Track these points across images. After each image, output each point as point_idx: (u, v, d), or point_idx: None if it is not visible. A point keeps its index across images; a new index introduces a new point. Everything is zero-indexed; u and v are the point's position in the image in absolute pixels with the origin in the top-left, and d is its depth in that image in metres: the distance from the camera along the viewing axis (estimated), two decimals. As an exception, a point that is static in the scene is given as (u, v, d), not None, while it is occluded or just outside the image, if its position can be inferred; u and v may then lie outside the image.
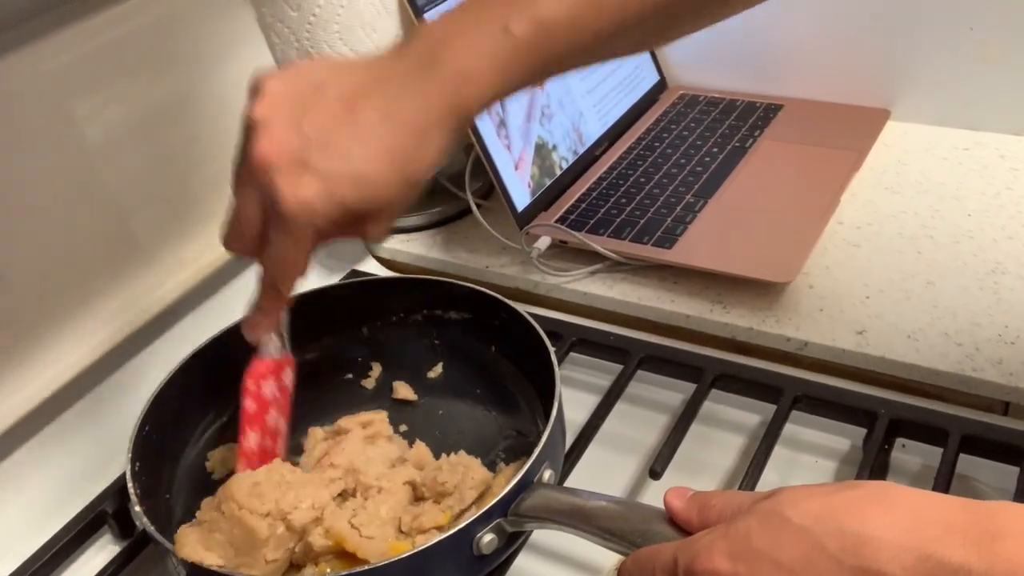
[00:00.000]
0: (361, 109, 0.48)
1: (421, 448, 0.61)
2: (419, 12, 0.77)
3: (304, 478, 0.56)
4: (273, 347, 0.58)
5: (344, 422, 0.63)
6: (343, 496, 0.57)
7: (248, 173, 0.49)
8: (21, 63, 0.58)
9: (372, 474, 0.57)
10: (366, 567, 0.48)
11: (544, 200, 0.84)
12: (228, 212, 0.52)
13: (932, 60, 0.91)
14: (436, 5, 0.78)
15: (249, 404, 0.58)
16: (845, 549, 0.35)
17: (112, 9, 0.64)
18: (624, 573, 0.43)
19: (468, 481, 0.55)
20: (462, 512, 0.55)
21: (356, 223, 0.50)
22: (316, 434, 0.63)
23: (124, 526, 0.63)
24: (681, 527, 0.44)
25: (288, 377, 0.60)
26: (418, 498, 0.57)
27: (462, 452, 0.58)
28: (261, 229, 0.50)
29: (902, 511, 0.35)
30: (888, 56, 0.93)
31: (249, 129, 0.49)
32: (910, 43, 0.91)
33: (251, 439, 0.58)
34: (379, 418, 0.63)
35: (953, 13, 0.87)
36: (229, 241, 0.53)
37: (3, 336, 0.59)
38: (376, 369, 0.69)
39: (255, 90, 0.50)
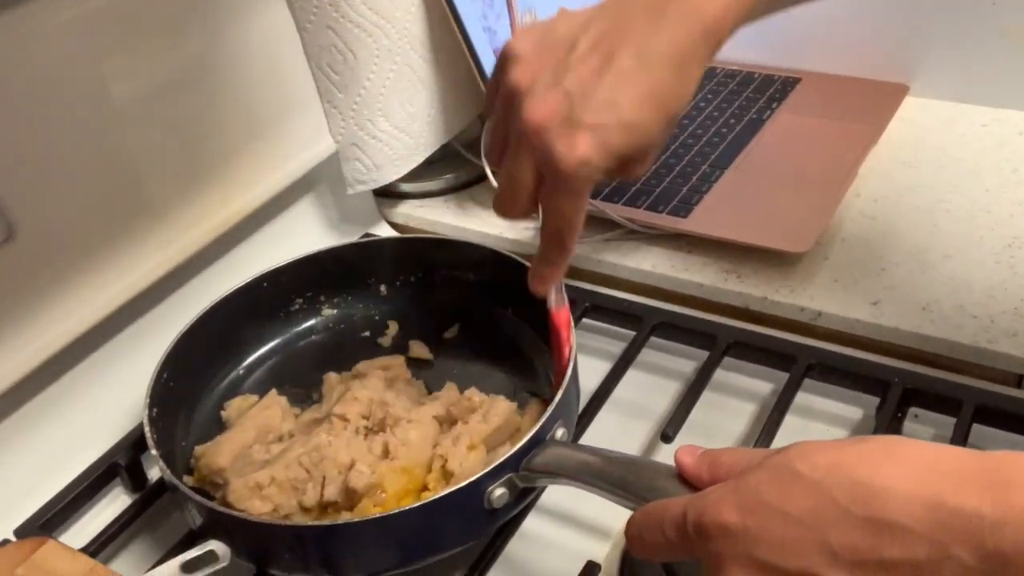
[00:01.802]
0: (615, 57, 0.49)
1: (449, 387, 0.62)
2: (437, -26, 0.77)
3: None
4: (558, 297, 0.59)
5: (362, 366, 0.64)
6: (368, 434, 0.58)
7: (519, 139, 0.50)
8: (45, 11, 0.58)
9: (399, 406, 0.57)
10: (378, 515, 0.49)
11: (559, 168, 0.84)
12: (500, 181, 0.53)
13: (952, 36, 0.91)
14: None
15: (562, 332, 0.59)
16: (855, 500, 0.35)
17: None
18: (632, 526, 0.43)
19: (496, 408, 0.56)
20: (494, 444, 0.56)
21: (623, 167, 0.51)
22: (332, 379, 0.64)
23: (136, 479, 0.63)
24: (691, 483, 0.44)
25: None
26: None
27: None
28: (534, 191, 0.51)
29: (913, 462, 0.35)
30: (908, 31, 0.93)
31: (512, 96, 0.50)
32: (930, 18, 0.91)
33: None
34: (397, 363, 0.64)
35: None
36: (504, 208, 0.54)
37: (16, 287, 0.60)
38: (393, 328, 0.70)
39: (506, 58, 0.51)
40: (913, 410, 0.62)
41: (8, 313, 0.60)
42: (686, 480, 0.45)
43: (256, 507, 0.53)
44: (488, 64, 0.79)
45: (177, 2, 0.67)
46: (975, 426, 0.59)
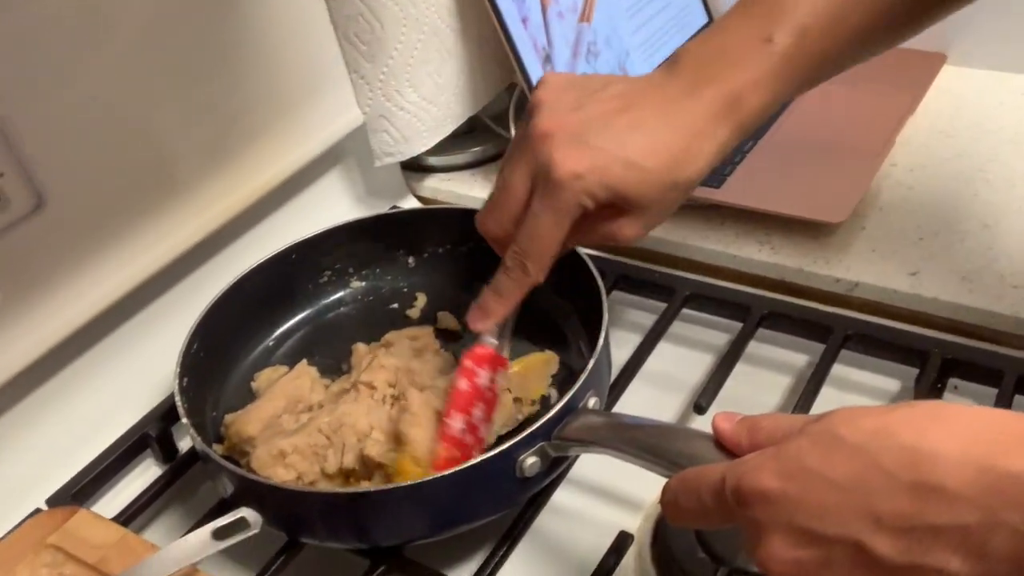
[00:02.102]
0: (638, 105, 0.51)
1: None
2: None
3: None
4: (494, 338, 0.56)
5: (391, 336, 0.63)
6: (395, 402, 0.57)
7: (523, 146, 0.51)
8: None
9: (426, 374, 0.57)
10: (410, 483, 0.49)
11: (588, 139, 0.83)
12: (492, 190, 0.54)
13: (990, 4, 0.88)
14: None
15: (463, 384, 0.54)
16: (902, 464, 0.34)
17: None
18: (668, 493, 0.43)
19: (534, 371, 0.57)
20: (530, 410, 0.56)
21: (610, 216, 0.52)
22: (360, 349, 0.63)
23: (167, 449, 0.64)
24: (729, 450, 0.44)
25: (501, 380, 0.57)
26: None
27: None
28: (522, 207, 0.52)
29: (961, 425, 0.34)
30: None
31: (530, 112, 0.52)
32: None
33: (456, 423, 0.54)
34: (425, 333, 0.64)
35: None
36: (486, 219, 0.54)
37: (46, 255, 0.60)
38: (421, 299, 0.70)
39: (537, 85, 0.53)
40: (953, 381, 0.61)
41: (37, 282, 0.60)
42: (723, 447, 0.44)
43: (279, 474, 0.54)
44: (517, 34, 0.78)
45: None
46: (1017, 397, 0.57)
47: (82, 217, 0.62)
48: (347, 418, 0.55)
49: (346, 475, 0.54)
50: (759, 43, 0.51)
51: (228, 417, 0.59)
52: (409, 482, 0.50)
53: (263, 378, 0.63)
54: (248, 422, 0.57)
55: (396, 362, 0.59)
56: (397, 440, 0.54)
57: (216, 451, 0.57)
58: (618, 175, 0.50)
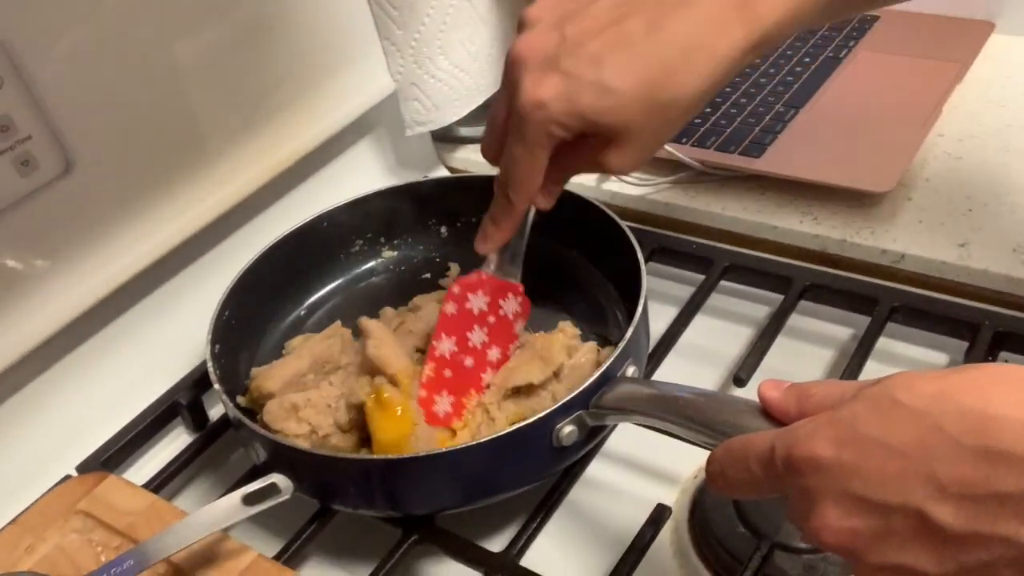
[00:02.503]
0: (628, 18, 0.46)
1: None
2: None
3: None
4: (496, 265, 0.56)
5: (418, 300, 0.63)
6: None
7: (504, 72, 0.48)
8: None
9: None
10: (445, 450, 0.48)
11: (624, 109, 0.81)
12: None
13: (1045, -32, 0.86)
14: None
15: (448, 307, 0.54)
16: (966, 429, 0.32)
17: None
18: (714, 463, 0.41)
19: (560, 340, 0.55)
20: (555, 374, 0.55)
21: (596, 145, 0.48)
22: (388, 313, 0.63)
23: (197, 418, 0.63)
24: (777, 419, 0.42)
25: (509, 306, 0.56)
26: None
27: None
28: (504, 134, 0.49)
29: None
30: (995, -35, 0.88)
31: (518, 28, 0.48)
32: (1021, -51, 0.86)
33: (444, 345, 0.54)
34: None
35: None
36: (483, 145, 0.52)
37: (74, 220, 0.60)
38: (454, 270, 0.69)
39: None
40: (1004, 355, 0.59)
41: (67, 246, 0.60)
42: (770, 416, 0.43)
43: (292, 428, 0.53)
44: None
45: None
46: (1073, 371, 0.55)
47: (111, 182, 0.61)
48: (361, 370, 0.55)
49: (360, 429, 0.54)
50: None
51: (255, 370, 0.59)
52: (443, 449, 0.49)
53: (294, 345, 0.62)
54: (269, 377, 0.57)
55: (424, 327, 0.58)
56: (371, 372, 0.54)
57: (240, 402, 0.57)
58: (588, 102, 0.46)
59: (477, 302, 0.55)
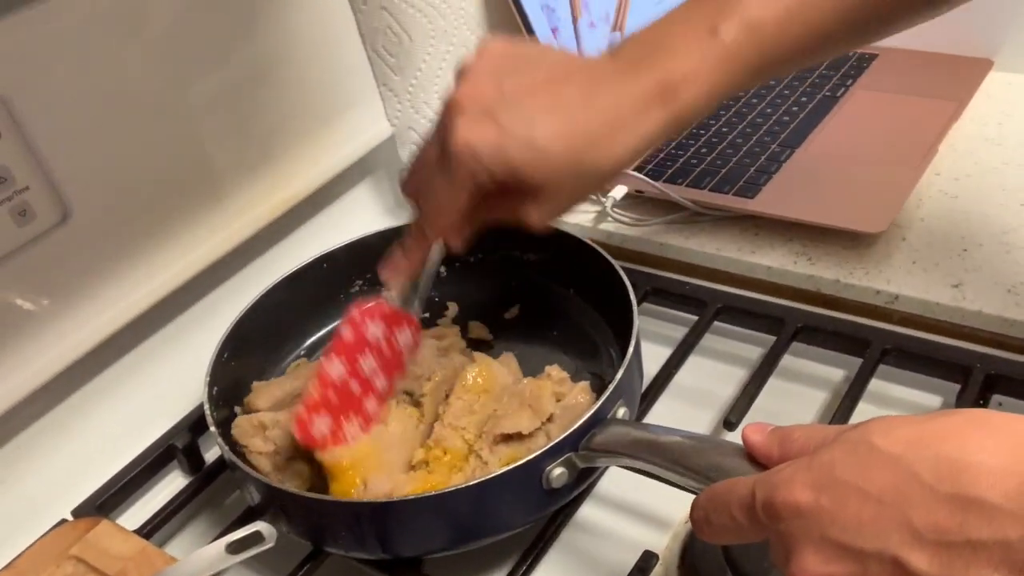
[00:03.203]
0: (565, 84, 0.49)
1: (508, 359, 0.62)
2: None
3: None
4: (399, 296, 0.57)
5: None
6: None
7: (441, 115, 0.51)
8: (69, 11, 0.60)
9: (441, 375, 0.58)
10: (435, 492, 0.49)
11: (620, 150, 0.83)
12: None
13: (1041, 6, 0.87)
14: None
15: (345, 331, 0.56)
16: (941, 476, 0.33)
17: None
18: (698, 508, 0.42)
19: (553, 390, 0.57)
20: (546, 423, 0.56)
21: (516, 197, 0.51)
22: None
23: (193, 461, 0.64)
24: (760, 462, 0.43)
25: (404, 337, 0.58)
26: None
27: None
28: (430, 172, 0.52)
29: (1005, 435, 0.33)
30: (990, 5, 0.89)
31: (458, 76, 0.51)
32: (1016, -12, 0.87)
33: (335, 368, 0.56)
34: (452, 332, 0.64)
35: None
36: (404, 179, 0.55)
37: (71, 268, 0.61)
38: (452, 308, 0.70)
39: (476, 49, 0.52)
40: (997, 398, 0.59)
41: (64, 293, 0.61)
42: (755, 458, 0.44)
43: (257, 445, 0.55)
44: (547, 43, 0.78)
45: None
46: (1066, 413, 0.56)
47: (108, 229, 0.63)
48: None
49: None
50: (704, 34, 0.50)
51: (255, 384, 0.61)
52: (433, 492, 0.50)
53: (292, 367, 0.65)
54: (260, 396, 0.59)
55: (416, 370, 0.59)
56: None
57: (236, 411, 0.59)
58: (516, 155, 0.48)
59: (374, 330, 0.57)
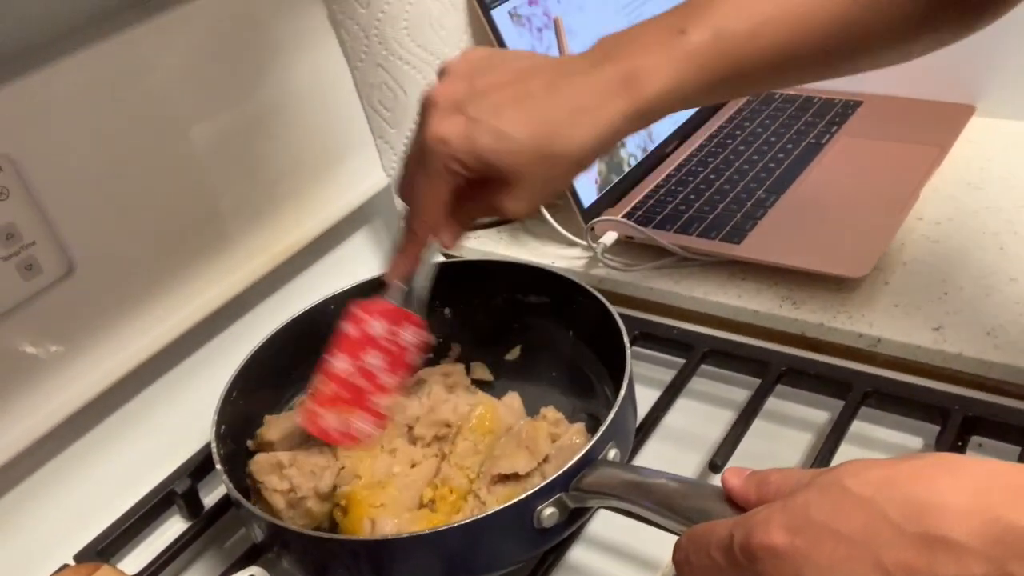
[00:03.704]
0: (530, 79, 0.53)
1: (512, 398, 0.65)
2: (486, 9, 0.80)
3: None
4: (400, 294, 0.60)
5: (423, 373, 0.67)
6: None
7: (419, 113, 0.55)
8: (100, 56, 0.63)
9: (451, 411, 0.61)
10: (425, 531, 0.51)
11: (611, 196, 0.86)
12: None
13: (1020, 54, 0.90)
14: (503, 2, 0.81)
15: (347, 327, 0.58)
16: (908, 516, 0.35)
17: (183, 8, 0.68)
18: (679, 551, 0.44)
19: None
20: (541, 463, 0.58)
21: (493, 188, 0.54)
22: None
23: (192, 506, 0.66)
24: (739, 505, 0.45)
25: (408, 335, 0.60)
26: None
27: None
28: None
29: (968, 477, 0.35)
30: (973, 51, 0.91)
31: (439, 77, 0.55)
32: (996, 37, 0.89)
33: (339, 363, 0.58)
34: (458, 370, 0.66)
35: (1041, 3, 0.86)
36: (397, 185, 0.58)
37: (76, 319, 0.64)
38: (455, 350, 0.73)
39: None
40: (977, 439, 0.61)
41: (68, 344, 0.64)
42: (734, 502, 0.45)
43: (273, 483, 0.57)
44: (538, 94, 0.81)
45: (234, 48, 0.71)
46: (1041, 455, 0.58)
47: (112, 280, 0.66)
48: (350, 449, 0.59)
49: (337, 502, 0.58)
50: (672, 33, 0.53)
51: (268, 417, 0.64)
52: (427, 530, 0.52)
53: (300, 401, 0.67)
54: (271, 429, 0.61)
55: (418, 408, 0.62)
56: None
57: (249, 445, 0.62)
58: (485, 144, 0.52)
59: (377, 327, 0.59)
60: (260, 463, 0.59)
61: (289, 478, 0.58)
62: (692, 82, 0.53)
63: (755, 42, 0.53)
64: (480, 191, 0.54)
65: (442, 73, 0.55)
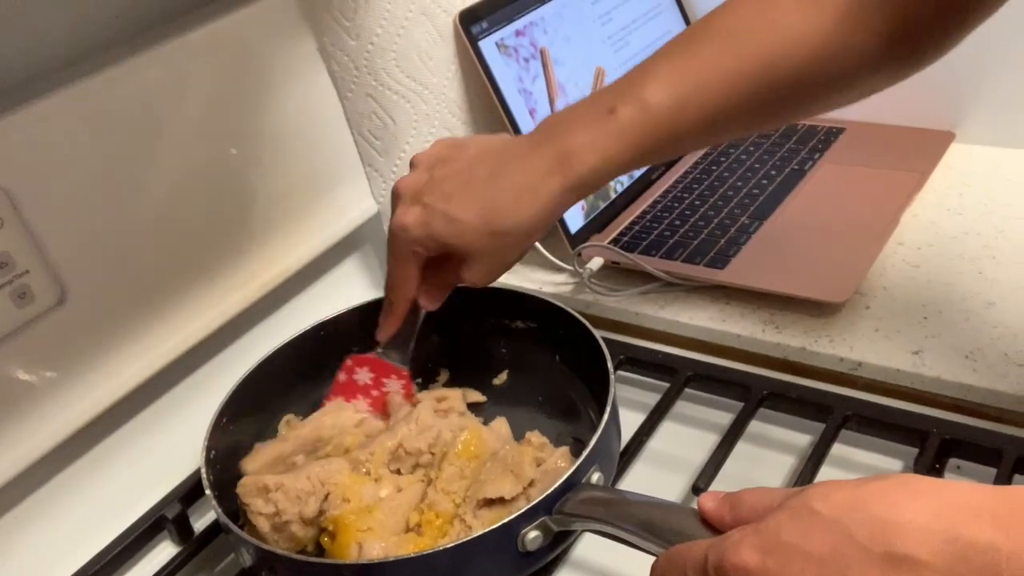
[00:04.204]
0: (478, 166, 0.61)
1: (500, 423, 0.66)
2: (474, 40, 0.82)
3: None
4: (389, 353, 0.69)
5: (419, 395, 0.68)
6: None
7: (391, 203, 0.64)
8: (93, 89, 0.64)
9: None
10: (410, 555, 0.52)
11: (598, 222, 0.87)
12: None
13: (997, 81, 0.93)
14: (490, 33, 0.83)
15: (340, 375, 0.69)
16: (873, 537, 0.37)
17: (173, 41, 0.69)
18: (656, 570, 0.45)
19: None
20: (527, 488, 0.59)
21: (455, 263, 0.62)
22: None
23: (183, 531, 0.67)
24: (715, 527, 0.46)
25: (392, 386, 0.69)
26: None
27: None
28: None
29: (930, 497, 0.37)
30: (953, 77, 0.95)
31: (409, 168, 0.64)
32: (974, 64, 0.93)
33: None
34: (454, 394, 0.68)
35: (1016, 32, 0.88)
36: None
37: (68, 348, 0.65)
38: (444, 375, 0.75)
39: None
40: (955, 461, 0.63)
41: (60, 372, 0.65)
42: (710, 524, 0.47)
43: (259, 506, 0.59)
44: (525, 126, 0.83)
45: (225, 79, 0.72)
46: (1017, 476, 0.59)
47: (104, 308, 0.67)
48: (338, 477, 0.60)
49: (322, 528, 0.59)
50: (603, 113, 0.59)
51: (258, 445, 0.65)
52: (412, 554, 0.53)
53: (281, 428, 0.69)
54: (250, 460, 0.63)
55: (403, 432, 0.63)
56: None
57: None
58: (439, 227, 0.60)
59: (363, 376, 0.69)
60: (246, 485, 0.60)
61: (274, 502, 0.59)
62: (622, 155, 0.59)
63: (682, 113, 0.58)
64: (445, 264, 0.63)
65: (412, 164, 0.63)
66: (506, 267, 0.64)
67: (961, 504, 0.36)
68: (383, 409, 0.68)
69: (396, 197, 0.62)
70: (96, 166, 0.65)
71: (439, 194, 0.60)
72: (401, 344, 0.68)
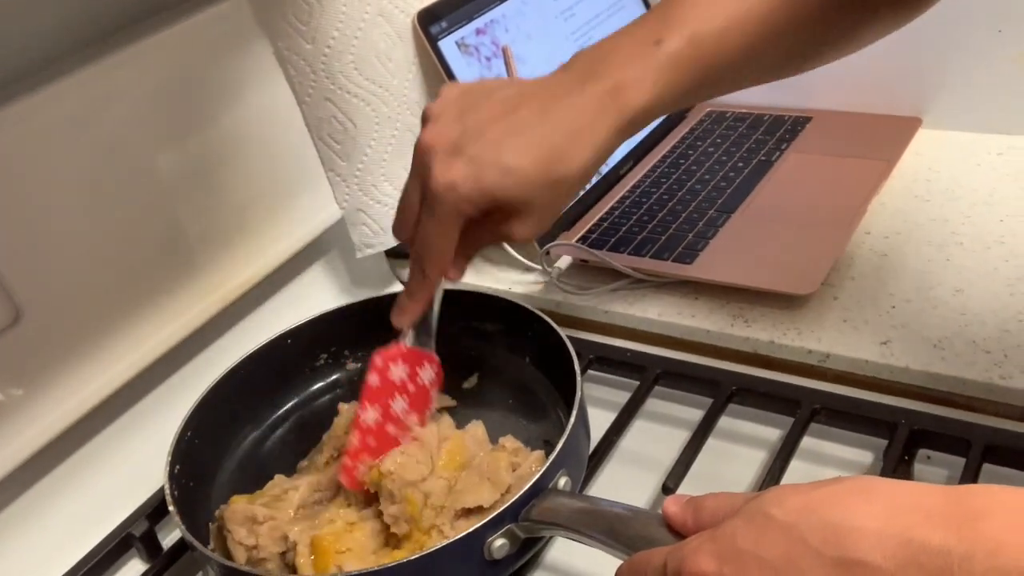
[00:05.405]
0: (520, 108, 0.54)
1: (476, 427, 0.65)
2: (433, 40, 0.81)
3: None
4: (412, 338, 0.62)
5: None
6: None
7: (414, 162, 0.55)
8: (46, 100, 0.63)
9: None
10: (373, 568, 0.51)
11: (566, 220, 0.87)
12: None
13: (963, 65, 0.92)
14: (450, 33, 0.82)
15: (372, 378, 0.61)
16: (827, 541, 0.36)
17: (127, 49, 0.68)
18: (619, 576, 0.45)
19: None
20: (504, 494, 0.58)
21: (501, 218, 0.55)
22: (343, 408, 0.67)
23: (151, 548, 0.66)
24: (678, 532, 0.46)
25: (426, 374, 0.63)
26: None
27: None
28: (416, 215, 0.56)
29: (882, 500, 0.37)
30: (918, 64, 0.94)
31: (423, 122, 0.56)
32: (939, 49, 0.92)
33: (370, 415, 0.60)
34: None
35: (980, 16, 0.88)
36: (395, 226, 0.59)
37: (24, 368, 0.64)
38: None
39: (437, 96, 0.57)
40: (925, 451, 0.62)
41: (17, 392, 0.64)
42: (674, 528, 0.46)
43: (241, 535, 0.57)
44: (488, 123, 0.82)
45: (182, 87, 0.71)
46: (986, 466, 0.59)
47: (61, 326, 0.66)
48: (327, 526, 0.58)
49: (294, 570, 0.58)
50: (648, 45, 0.55)
51: (234, 498, 0.63)
52: (377, 567, 0.52)
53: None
54: (237, 514, 0.60)
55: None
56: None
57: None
58: (493, 181, 0.53)
59: (398, 372, 0.61)
60: (235, 511, 0.58)
61: (257, 536, 0.57)
62: (672, 89, 0.55)
63: (727, 41, 0.56)
64: (486, 223, 0.56)
65: (426, 119, 0.56)
66: (555, 218, 0.58)
67: (914, 507, 0.36)
68: (423, 405, 0.62)
69: (428, 153, 0.54)
70: (47, 181, 0.64)
71: (485, 143, 0.53)
72: (425, 325, 0.62)
